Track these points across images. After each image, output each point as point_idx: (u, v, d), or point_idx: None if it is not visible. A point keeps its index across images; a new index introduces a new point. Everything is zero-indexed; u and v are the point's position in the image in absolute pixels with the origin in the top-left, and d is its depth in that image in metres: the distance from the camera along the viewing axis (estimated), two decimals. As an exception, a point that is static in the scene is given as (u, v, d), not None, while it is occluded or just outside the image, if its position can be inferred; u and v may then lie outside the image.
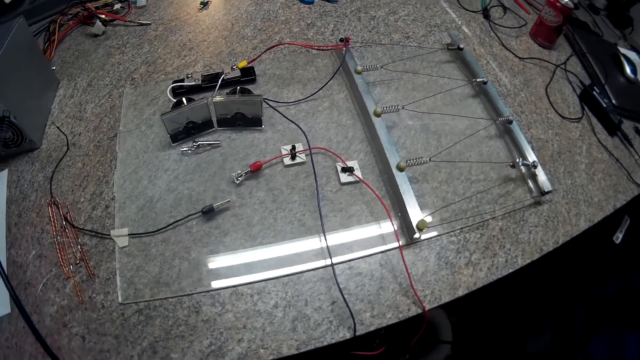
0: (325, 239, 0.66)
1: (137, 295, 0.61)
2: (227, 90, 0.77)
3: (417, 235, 0.66)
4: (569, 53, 0.99)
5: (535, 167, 0.74)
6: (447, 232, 0.70)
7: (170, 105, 0.77)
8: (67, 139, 0.76)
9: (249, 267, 0.64)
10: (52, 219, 0.68)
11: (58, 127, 0.78)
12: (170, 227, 0.67)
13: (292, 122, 0.78)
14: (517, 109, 0.88)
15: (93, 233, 0.66)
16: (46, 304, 0.61)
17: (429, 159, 0.72)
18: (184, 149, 0.73)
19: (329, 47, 0.91)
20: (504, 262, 0.68)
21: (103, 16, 0.89)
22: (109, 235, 0.66)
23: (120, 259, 0.64)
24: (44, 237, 0.67)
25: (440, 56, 0.94)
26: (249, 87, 0.81)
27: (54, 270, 0.64)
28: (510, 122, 0.80)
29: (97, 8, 0.91)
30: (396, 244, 0.66)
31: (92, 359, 0.57)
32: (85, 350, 0.57)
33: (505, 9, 1.07)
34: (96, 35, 0.91)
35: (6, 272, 0.61)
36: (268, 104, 0.79)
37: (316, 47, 0.91)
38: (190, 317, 0.60)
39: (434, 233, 0.69)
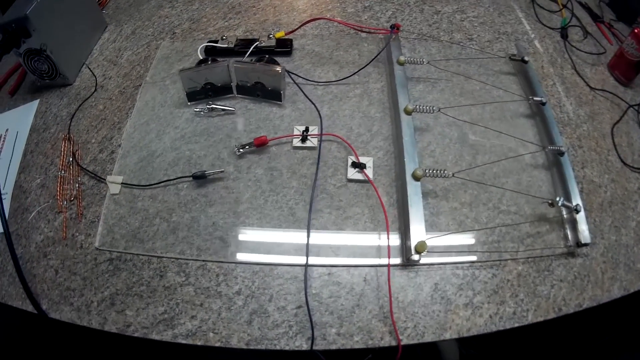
0: (308, 235, 0.59)
1: (112, 244, 0.60)
2: (255, 58, 0.72)
3: (415, 257, 0.56)
4: None
5: (578, 211, 0.60)
6: (454, 263, 0.59)
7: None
8: (96, 80, 0.77)
9: (223, 245, 0.59)
10: (62, 153, 0.70)
11: (89, 68, 0.79)
12: (162, 184, 0.64)
13: (311, 101, 0.71)
14: (574, 142, 0.72)
15: (93, 175, 0.66)
16: (35, 231, 0.62)
17: (452, 174, 0.60)
18: (198, 109, 0.70)
19: (372, 30, 0.82)
20: (511, 313, 0.56)
21: (165, -31, 0.89)
22: (105, 180, 0.65)
23: (107, 205, 0.63)
24: (51, 169, 0.68)
25: (500, 65, 0.81)
26: (283, 59, 0.76)
27: (51, 201, 0.65)
28: (562, 153, 0.65)
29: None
30: (387, 261, 0.57)
31: (58, 294, 0.57)
32: (55, 283, 0.58)
33: (586, 32, 0.90)
34: (154, -14, 0.91)
35: (12, 193, 0.66)
36: (291, 78, 0.73)
37: (357, 27, 0.83)
38: (154, 280, 0.57)
39: (438, 260, 0.58)
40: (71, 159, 0.68)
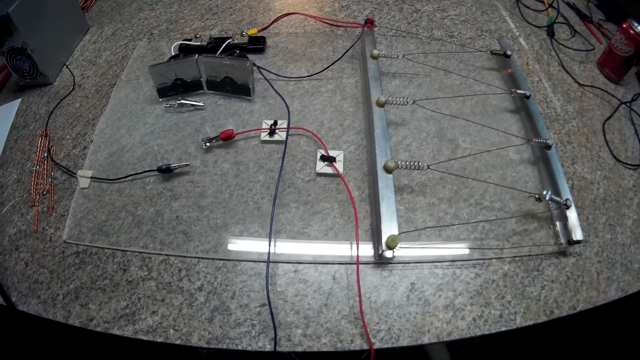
0: (271, 230, 0.54)
1: (79, 238, 0.57)
2: (226, 54, 0.69)
3: (387, 254, 0.51)
4: (638, 92, 0.75)
5: (568, 206, 0.54)
6: (432, 262, 0.53)
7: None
8: (74, 79, 0.75)
9: (186, 239, 0.55)
10: (38, 149, 0.67)
11: (68, 68, 0.77)
12: (129, 178, 0.60)
13: (279, 95, 0.67)
14: (563, 137, 0.67)
15: (65, 169, 0.64)
16: (9, 225, 0.60)
17: (428, 166, 0.55)
18: (168, 105, 0.67)
19: (345, 24, 0.78)
20: (497, 316, 0.50)
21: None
22: (76, 174, 0.62)
23: (77, 199, 0.60)
24: (27, 165, 0.66)
25: (482, 61, 0.76)
26: (256, 56, 0.73)
27: (25, 196, 0.62)
28: (549, 146, 0.60)
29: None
30: (357, 258, 0.51)
31: (27, 286, 0.54)
32: (25, 276, 0.55)
33: (574, 31, 0.85)
34: (137, -10, 0.89)
35: None
36: (262, 74, 0.69)
37: (330, 22, 0.79)
38: (117, 274, 0.53)
39: (414, 255, 0.53)
40: (46, 154, 0.66)
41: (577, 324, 0.57)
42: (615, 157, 0.66)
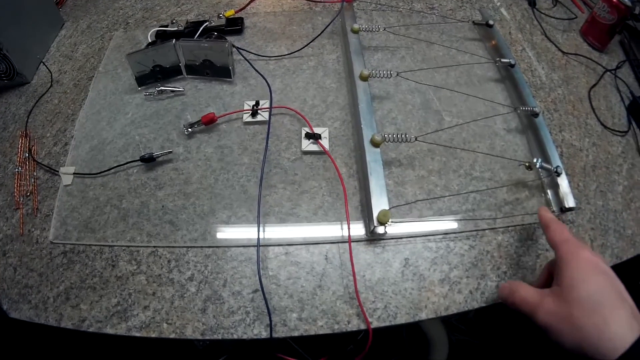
0: (259, 213, 0.51)
1: (65, 237, 0.54)
2: (204, 37, 0.65)
3: (379, 229, 0.48)
4: (622, 59, 0.73)
5: (559, 173, 0.52)
6: (425, 235, 0.51)
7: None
8: (52, 76, 0.70)
9: (173, 229, 0.52)
10: (19, 150, 0.63)
11: (44, 64, 0.72)
12: (112, 171, 0.57)
13: (261, 75, 0.63)
14: (549, 105, 0.65)
15: (47, 168, 0.60)
16: None
17: (415, 138, 0.52)
18: (147, 93, 0.63)
19: (324, 0, 0.75)
20: (493, 287, 0.48)
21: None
22: (59, 172, 0.59)
23: (60, 197, 0.57)
24: (9, 167, 0.62)
25: (465, 32, 0.73)
26: (234, 37, 0.69)
27: (9, 199, 0.59)
28: (536, 114, 0.57)
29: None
30: (348, 236, 0.49)
31: (17, 292, 0.51)
32: (14, 282, 0.52)
33: (555, 1, 0.82)
34: (110, -19, 0.85)
35: None
36: (241, 54, 0.66)
37: None
38: (106, 270, 0.50)
39: (406, 230, 0.51)
40: (27, 155, 0.62)
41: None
42: (602, 124, 0.64)
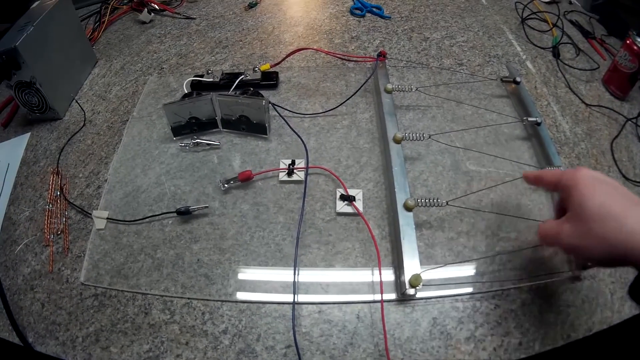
0: (296, 273, 0.58)
1: (97, 280, 0.60)
2: (239, 91, 0.74)
3: (410, 292, 0.55)
4: None
5: None
6: (453, 295, 0.57)
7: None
8: (85, 115, 0.79)
9: (208, 282, 0.58)
10: (50, 187, 0.71)
11: (78, 103, 0.80)
12: (146, 220, 0.64)
13: (296, 134, 0.71)
14: (573, 161, 0.72)
15: (79, 209, 0.67)
16: (23, 263, 0.63)
17: (447, 202, 0.60)
18: (183, 144, 0.71)
19: (358, 58, 0.84)
20: (517, 344, 0.54)
21: (155, 5, 0.93)
22: (91, 214, 0.66)
23: (93, 240, 0.64)
24: (39, 202, 0.69)
25: (492, 89, 0.82)
26: (269, 92, 0.77)
27: (38, 234, 0.66)
28: None
29: (150, -4, 0.95)
30: (380, 296, 0.55)
31: (44, 327, 0.57)
32: (41, 317, 0.58)
33: (578, 49, 0.92)
34: (143, 23, 0.95)
35: (1, 225, 0.67)
36: (276, 111, 0.74)
37: (343, 56, 0.85)
38: (138, 317, 0.56)
39: (435, 293, 0.57)
40: (59, 193, 0.69)
41: (593, 345, 0.62)
42: (624, 176, 0.71)
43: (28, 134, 0.79)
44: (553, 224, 0.47)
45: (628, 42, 0.77)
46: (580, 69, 0.88)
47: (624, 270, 0.61)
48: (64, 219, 0.67)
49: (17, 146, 0.77)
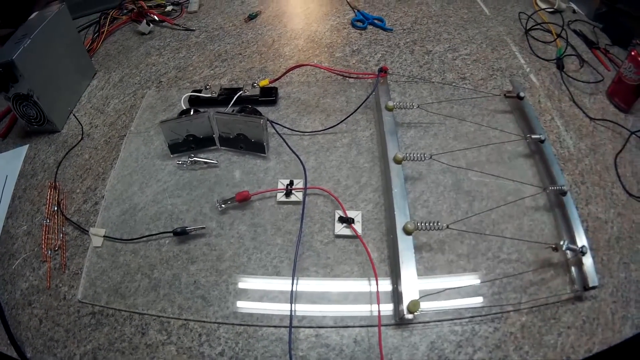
0: (293, 296, 0.58)
1: (94, 298, 0.61)
2: (238, 108, 0.74)
3: (408, 316, 0.56)
4: None
5: (584, 253, 0.59)
6: (451, 319, 0.58)
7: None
8: (82, 128, 0.79)
9: (206, 304, 0.59)
10: (48, 201, 0.72)
11: (75, 116, 0.81)
12: (143, 239, 0.65)
13: (295, 154, 0.72)
14: (577, 178, 0.73)
15: (76, 225, 0.68)
16: (21, 278, 0.65)
17: (447, 226, 0.60)
18: (180, 162, 0.72)
19: (359, 75, 0.84)
20: None
21: (154, 16, 0.93)
22: (88, 231, 0.67)
23: (90, 258, 0.65)
24: (37, 217, 0.71)
25: (495, 104, 0.82)
26: (267, 108, 0.78)
27: (36, 249, 0.67)
28: (565, 193, 0.66)
29: (149, 7, 0.96)
30: (378, 321, 0.56)
31: (42, 343, 0.58)
32: (39, 333, 0.59)
33: (582, 61, 0.92)
34: (143, 34, 0.96)
35: None
36: (275, 129, 0.74)
37: (343, 73, 0.85)
38: (135, 337, 0.57)
39: (434, 317, 0.58)
40: (56, 208, 0.70)
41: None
42: (627, 192, 0.71)
43: (26, 146, 0.80)
44: None
45: (633, 53, 0.77)
46: (584, 82, 0.88)
47: (625, 289, 0.62)
48: (62, 235, 0.68)
49: (15, 158, 0.79)
